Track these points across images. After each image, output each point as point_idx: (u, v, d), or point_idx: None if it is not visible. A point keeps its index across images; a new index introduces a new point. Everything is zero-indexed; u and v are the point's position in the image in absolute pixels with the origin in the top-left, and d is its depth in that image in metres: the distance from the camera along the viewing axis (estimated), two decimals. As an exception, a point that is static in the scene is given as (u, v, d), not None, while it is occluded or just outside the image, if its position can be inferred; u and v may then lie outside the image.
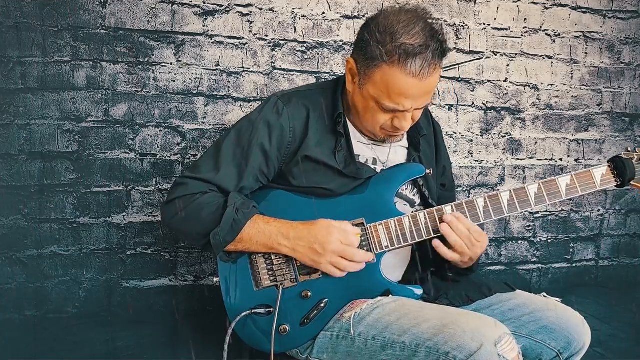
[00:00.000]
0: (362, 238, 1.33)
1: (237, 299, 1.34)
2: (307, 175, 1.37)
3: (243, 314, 1.29)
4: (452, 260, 1.33)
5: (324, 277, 1.32)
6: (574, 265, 2.75)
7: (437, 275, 1.51)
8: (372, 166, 1.43)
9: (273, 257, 1.34)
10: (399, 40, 1.22)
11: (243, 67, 2.24)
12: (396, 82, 1.24)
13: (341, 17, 2.33)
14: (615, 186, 1.39)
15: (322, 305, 1.31)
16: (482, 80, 2.54)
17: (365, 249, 1.33)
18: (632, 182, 1.38)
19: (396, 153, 1.49)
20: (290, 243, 1.28)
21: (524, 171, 2.63)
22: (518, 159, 2.63)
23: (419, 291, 1.35)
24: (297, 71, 2.30)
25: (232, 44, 2.23)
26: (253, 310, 1.30)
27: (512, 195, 1.35)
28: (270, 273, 1.33)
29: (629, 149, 1.41)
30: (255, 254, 1.34)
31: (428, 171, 1.44)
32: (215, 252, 1.31)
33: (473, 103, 2.54)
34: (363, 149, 1.44)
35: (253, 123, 1.37)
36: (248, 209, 1.29)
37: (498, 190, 1.32)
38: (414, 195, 1.48)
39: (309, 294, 1.31)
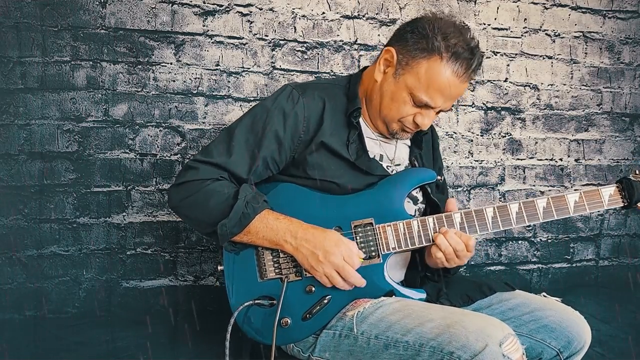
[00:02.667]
0: (371, 238, 1.34)
1: (240, 288, 1.33)
2: (319, 165, 1.37)
3: (246, 304, 1.29)
4: (436, 261, 1.35)
5: None
6: (574, 265, 2.75)
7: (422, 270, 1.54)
8: (380, 163, 1.44)
9: (280, 250, 1.34)
10: (451, 41, 1.28)
11: (243, 67, 2.24)
12: (439, 77, 1.29)
13: (341, 17, 2.33)
14: (622, 207, 1.42)
15: (325, 301, 1.31)
16: (482, 80, 2.55)
17: (373, 248, 1.33)
18: (638, 204, 1.41)
19: (400, 150, 1.51)
20: (296, 242, 1.28)
21: (524, 171, 2.63)
22: (518, 159, 2.63)
23: (421, 295, 1.35)
24: (297, 71, 2.30)
25: (232, 44, 2.23)
26: (256, 301, 1.30)
27: (520, 207, 1.36)
28: (275, 265, 1.33)
29: (637, 172, 1.44)
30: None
31: (439, 177, 1.46)
32: (220, 242, 1.31)
33: (473, 103, 2.54)
34: (372, 145, 1.46)
35: (268, 110, 1.37)
36: (258, 204, 1.29)
37: (506, 202, 1.32)
38: (417, 192, 1.49)
39: (313, 289, 1.31)
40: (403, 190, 1.38)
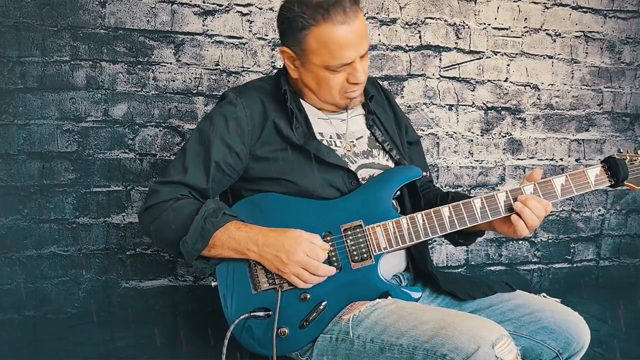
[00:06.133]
0: (361, 240, 1.33)
1: (235, 302, 1.33)
2: (274, 156, 1.38)
3: (241, 317, 1.28)
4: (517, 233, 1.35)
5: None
6: (575, 265, 2.74)
7: (450, 241, 1.56)
8: (337, 141, 1.45)
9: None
10: (312, 2, 1.28)
11: (243, 67, 2.24)
12: (331, 37, 1.29)
13: (341, 16, 2.33)
14: (609, 186, 1.42)
15: (321, 307, 1.31)
16: (483, 80, 2.54)
17: (364, 250, 1.33)
18: (625, 182, 1.40)
19: (356, 123, 1.52)
20: (258, 249, 1.28)
21: (524, 171, 2.63)
22: (518, 159, 2.62)
23: (417, 294, 1.35)
24: (297, 71, 2.30)
25: (232, 43, 2.23)
26: (251, 314, 1.30)
27: (508, 196, 1.35)
28: (268, 276, 1.32)
29: (621, 150, 1.44)
30: None
31: (425, 174, 1.46)
32: (188, 261, 1.31)
33: (473, 103, 2.54)
34: (324, 126, 1.47)
35: (211, 119, 1.40)
36: (217, 218, 1.28)
37: (496, 190, 1.32)
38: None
39: (308, 296, 1.31)
40: (389, 189, 1.38)
